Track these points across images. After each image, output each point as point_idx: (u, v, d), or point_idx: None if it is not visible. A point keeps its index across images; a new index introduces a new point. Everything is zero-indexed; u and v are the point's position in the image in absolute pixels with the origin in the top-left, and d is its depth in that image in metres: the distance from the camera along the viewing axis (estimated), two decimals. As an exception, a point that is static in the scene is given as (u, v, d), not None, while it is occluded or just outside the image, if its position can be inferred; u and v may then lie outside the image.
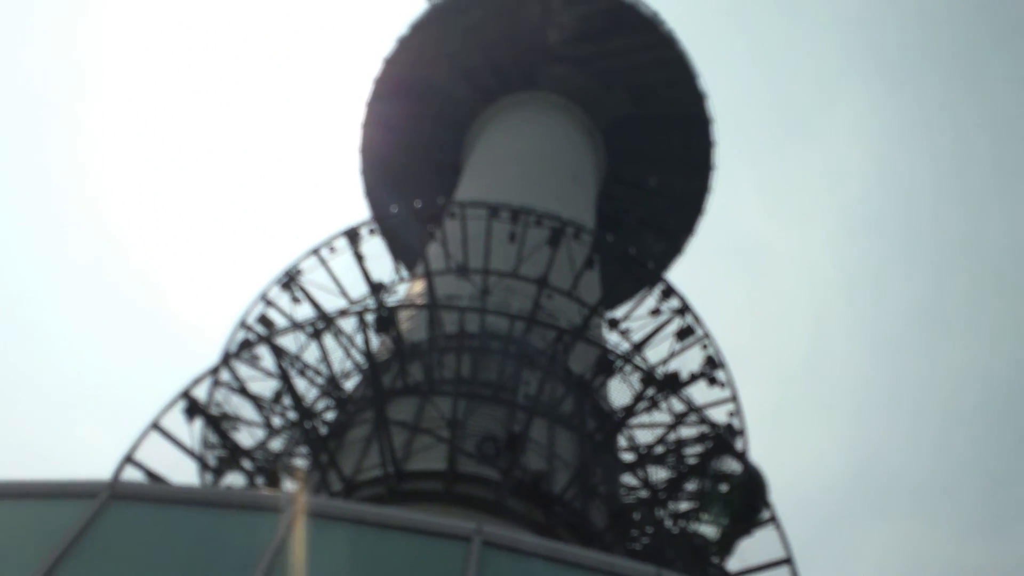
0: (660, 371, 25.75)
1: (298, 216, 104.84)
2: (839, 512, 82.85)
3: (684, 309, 28.07)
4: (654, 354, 27.74)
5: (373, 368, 22.70)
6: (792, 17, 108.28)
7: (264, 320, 27.52)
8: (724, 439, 23.23)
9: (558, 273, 27.82)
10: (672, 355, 27.39)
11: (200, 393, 22.92)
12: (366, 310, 24.11)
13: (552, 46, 48.05)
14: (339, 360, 25.19)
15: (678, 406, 23.98)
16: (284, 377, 23.93)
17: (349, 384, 25.46)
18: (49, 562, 10.33)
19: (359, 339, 24.32)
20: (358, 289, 28.99)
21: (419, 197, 35.83)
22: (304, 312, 27.79)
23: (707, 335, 27.57)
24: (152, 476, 20.96)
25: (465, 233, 28.54)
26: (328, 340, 24.92)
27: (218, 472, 23.24)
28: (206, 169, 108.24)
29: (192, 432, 22.54)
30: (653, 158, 49.90)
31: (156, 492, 12.59)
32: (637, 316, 29.22)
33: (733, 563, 21.89)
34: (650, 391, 23.89)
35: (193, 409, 22.27)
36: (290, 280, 28.20)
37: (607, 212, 47.31)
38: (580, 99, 47.36)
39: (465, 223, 28.71)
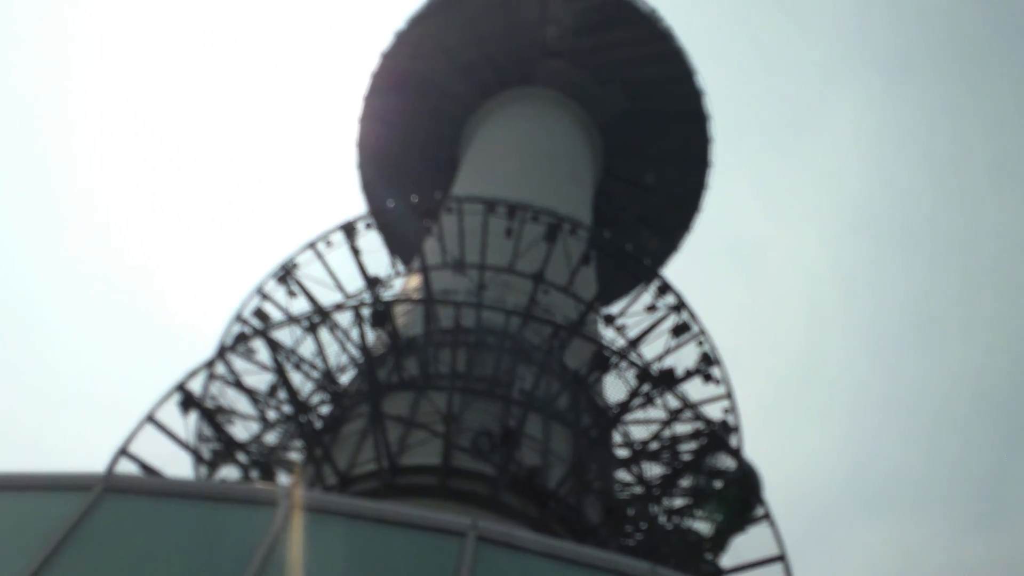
0: (655, 367, 25.73)
1: (294, 211, 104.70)
2: (834, 510, 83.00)
3: (680, 306, 28.08)
4: (650, 350, 27.74)
5: (369, 362, 22.71)
6: (790, 15, 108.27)
7: (260, 314, 27.48)
8: (719, 436, 23.28)
9: (554, 269, 27.81)
10: (667, 351, 27.40)
11: (195, 386, 22.96)
12: (362, 304, 24.12)
13: (549, 42, 48.02)
14: (335, 354, 25.21)
15: (673, 402, 24.04)
16: (279, 371, 23.94)
17: (344, 378, 25.46)
18: (43, 555, 10.32)
19: (355, 333, 24.33)
20: (354, 283, 28.97)
21: (416, 192, 35.78)
22: (300, 306, 27.76)
23: (703, 332, 27.59)
24: (147, 469, 20.96)
25: (462, 228, 28.53)
26: (324, 334, 24.95)
27: (213, 465, 23.24)
28: (202, 163, 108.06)
29: (187, 425, 22.57)
30: (650, 155, 49.90)
31: (151, 485, 12.57)
32: (633, 312, 29.25)
33: (727, 560, 21.96)
34: (645, 387, 23.92)
35: (188, 402, 22.28)
36: (286, 274, 28.17)
37: (604, 208, 47.32)
38: (577, 95, 47.33)
39: (462, 218, 28.69)
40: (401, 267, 33.00)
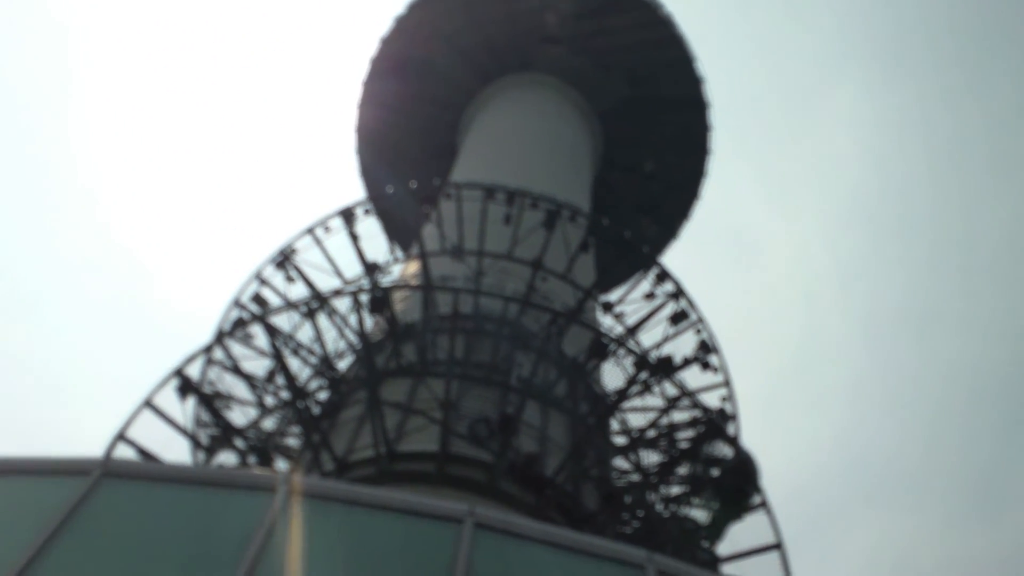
0: (653, 355, 25.73)
1: (293, 197, 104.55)
2: (831, 500, 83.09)
3: (678, 293, 28.07)
4: (648, 338, 27.74)
5: (367, 348, 22.71)
6: (790, 4, 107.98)
7: (258, 299, 27.48)
8: (716, 424, 23.30)
9: (553, 256, 27.79)
10: (666, 339, 27.40)
11: (193, 372, 22.97)
12: (360, 290, 24.12)
13: (550, 28, 47.88)
14: (333, 340, 25.22)
15: (671, 390, 24.05)
16: (277, 356, 23.93)
17: (342, 364, 25.47)
18: (41, 539, 10.33)
19: (353, 319, 24.34)
20: (353, 269, 28.95)
21: (415, 177, 35.73)
22: (298, 291, 27.76)
23: (701, 320, 27.60)
24: (144, 454, 20.98)
25: (460, 214, 28.49)
26: (322, 320, 24.94)
27: (210, 451, 23.26)
28: (200, 150, 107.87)
29: (185, 410, 22.57)
30: (649, 142, 49.81)
31: (149, 470, 12.58)
32: (631, 300, 29.24)
33: (724, 548, 21.97)
34: (643, 375, 23.93)
35: (186, 387, 22.28)
36: (285, 259, 28.15)
37: (603, 196, 47.28)
38: (577, 81, 47.24)
39: (461, 204, 28.65)
40: (400, 253, 32.98)
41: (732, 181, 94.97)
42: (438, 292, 24.84)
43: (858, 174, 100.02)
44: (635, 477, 23.48)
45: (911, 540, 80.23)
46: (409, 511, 11.26)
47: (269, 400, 24.56)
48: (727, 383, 26.82)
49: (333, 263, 29.03)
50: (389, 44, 50.28)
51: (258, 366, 24.91)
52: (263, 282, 27.89)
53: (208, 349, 24.18)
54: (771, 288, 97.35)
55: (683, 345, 27.17)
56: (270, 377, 24.64)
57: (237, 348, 24.98)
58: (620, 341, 24.45)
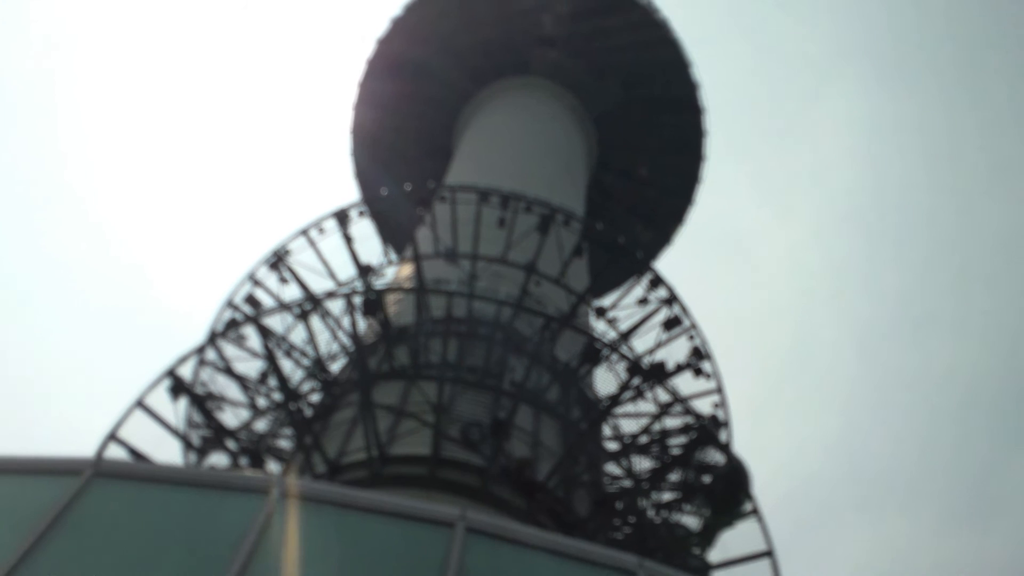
0: (646, 361, 25.76)
1: (288, 198, 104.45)
2: (824, 505, 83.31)
3: (671, 299, 28.08)
4: (641, 343, 27.77)
5: (359, 351, 22.69)
6: (786, 8, 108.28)
7: (251, 300, 27.44)
8: (708, 430, 23.28)
9: (547, 260, 27.81)
10: (658, 345, 27.42)
11: (186, 372, 22.89)
12: (354, 292, 24.11)
13: (546, 32, 47.94)
14: (326, 342, 25.19)
15: (663, 396, 24.01)
16: (270, 358, 23.89)
17: (335, 366, 25.44)
18: (32, 538, 10.30)
19: (346, 321, 24.32)
20: (346, 271, 28.94)
21: (410, 180, 35.79)
22: (292, 293, 27.74)
23: (694, 326, 27.59)
24: (136, 454, 20.91)
25: (454, 217, 28.50)
26: (315, 322, 24.89)
27: (202, 451, 23.19)
28: (194, 151, 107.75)
29: (177, 411, 22.50)
30: (644, 147, 49.92)
31: (140, 471, 12.53)
32: (624, 305, 29.25)
33: (715, 554, 21.97)
34: (636, 380, 23.89)
35: (178, 388, 22.21)
36: (278, 260, 28.12)
37: (597, 200, 47.31)
38: (572, 86, 47.29)
39: (455, 207, 28.66)
40: (393, 255, 32.93)
41: (727, 185, 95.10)
42: (432, 295, 24.83)
43: (853, 178, 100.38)
44: (627, 483, 23.47)
45: (904, 545, 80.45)
46: (401, 515, 11.25)
47: (261, 402, 24.52)
48: (719, 390, 26.81)
49: (327, 265, 29.02)
50: (385, 45, 50.31)
51: (251, 367, 24.88)
52: (256, 283, 27.86)
53: (201, 350, 24.12)
54: (765, 292, 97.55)
55: (676, 351, 27.19)
56: (263, 378, 24.59)
57: (230, 349, 24.93)
58: (613, 346, 24.43)
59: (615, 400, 23.84)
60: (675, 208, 51.57)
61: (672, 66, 49.31)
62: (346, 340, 24.98)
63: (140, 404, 21.33)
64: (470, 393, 21.51)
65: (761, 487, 21.65)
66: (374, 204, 31.22)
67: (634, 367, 23.91)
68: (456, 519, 11.08)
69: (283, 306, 25.07)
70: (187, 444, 23.09)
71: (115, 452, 20.48)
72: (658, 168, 50.30)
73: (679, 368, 26.38)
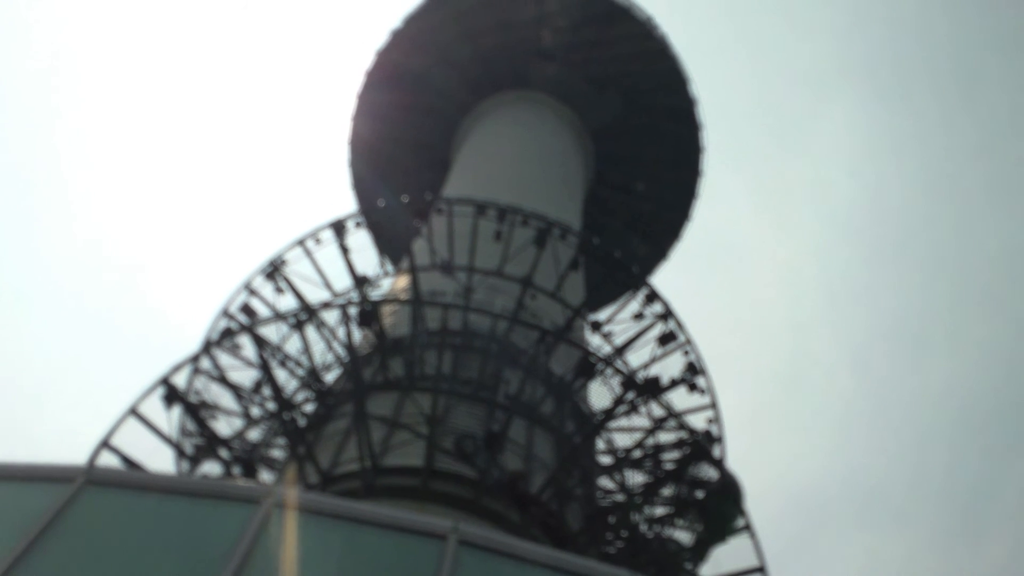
0: (641, 375, 25.74)
1: (285, 208, 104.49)
2: (818, 520, 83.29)
3: (667, 314, 28.11)
4: (635, 358, 27.76)
5: (354, 361, 22.68)
6: (784, 23, 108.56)
7: (247, 309, 27.43)
8: (702, 446, 23.28)
9: (543, 273, 27.83)
10: (653, 360, 27.41)
11: (180, 381, 22.87)
12: (349, 303, 24.10)
13: (545, 46, 48.09)
14: (320, 352, 25.17)
15: (657, 411, 23.99)
16: (264, 367, 23.87)
17: (329, 377, 25.42)
18: (23, 546, 10.28)
19: (341, 332, 24.30)
20: (342, 282, 28.93)
21: (407, 191, 35.81)
22: (287, 303, 27.72)
23: (689, 341, 27.61)
24: (128, 462, 20.88)
25: (451, 229, 28.53)
26: (310, 332, 24.90)
27: (195, 460, 23.17)
28: (192, 160, 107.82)
29: (170, 419, 22.48)
30: (641, 162, 50.01)
31: (133, 479, 12.55)
32: (620, 319, 29.26)
33: (707, 570, 21.97)
34: (630, 395, 23.88)
35: (172, 396, 22.20)
36: (274, 270, 28.12)
37: (594, 215, 47.38)
38: (571, 100, 47.41)
39: (452, 220, 28.70)
40: (390, 267, 32.94)
41: (724, 199, 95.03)
42: (427, 307, 24.82)
43: (851, 194, 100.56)
44: (620, 497, 23.45)
45: (897, 560, 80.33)
46: (393, 526, 11.24)
47: (255, 411, 24.50)
48: (714, 405, 26.83)
49: (323, 275, 29.01)
50: (384, 57, 50.41)
51: (245, 376, 24.86)
52: (252, 292, 27.85)
53: (195, 358, 24.10)
54: (761, 306, 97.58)
55: (671, 366, 27.21)
56: (257, 388, 24.58)
57: (224, 358, 24.91)
58: (608, 360, 24.42)
59: (609, 414, 23.83)
60: (672, 223, 51.64)
61: (671, 81, 49.45)
62: (341, 351, 24.98)
63: (133, 412, 21.31)
64: (464, 405, 21.51)
65: (754, 502, 21.67)
66: (371, 215, 31.22)
67: (628, 381, 23.90)
68: (449, 531, 11.07)
69: (279, 316, 25.08)
70: (180, 452, 23.06)
71: (108, 460, 20.46)
72: (655, 183, 50.40)
73: (673, 383, 26.39)
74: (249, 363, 24.82)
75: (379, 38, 50.53)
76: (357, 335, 24.60)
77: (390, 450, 20.16)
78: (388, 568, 10.96)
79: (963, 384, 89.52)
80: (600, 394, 24.44)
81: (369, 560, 11.01)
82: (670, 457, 23.80)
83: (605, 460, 24.71)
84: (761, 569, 20.26)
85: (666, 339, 27.68)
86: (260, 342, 24.08)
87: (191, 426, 23.49)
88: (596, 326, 29.35)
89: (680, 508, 22.53)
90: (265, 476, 23.10)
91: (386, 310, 26.23)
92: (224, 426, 24.07)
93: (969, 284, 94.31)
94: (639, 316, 28.57)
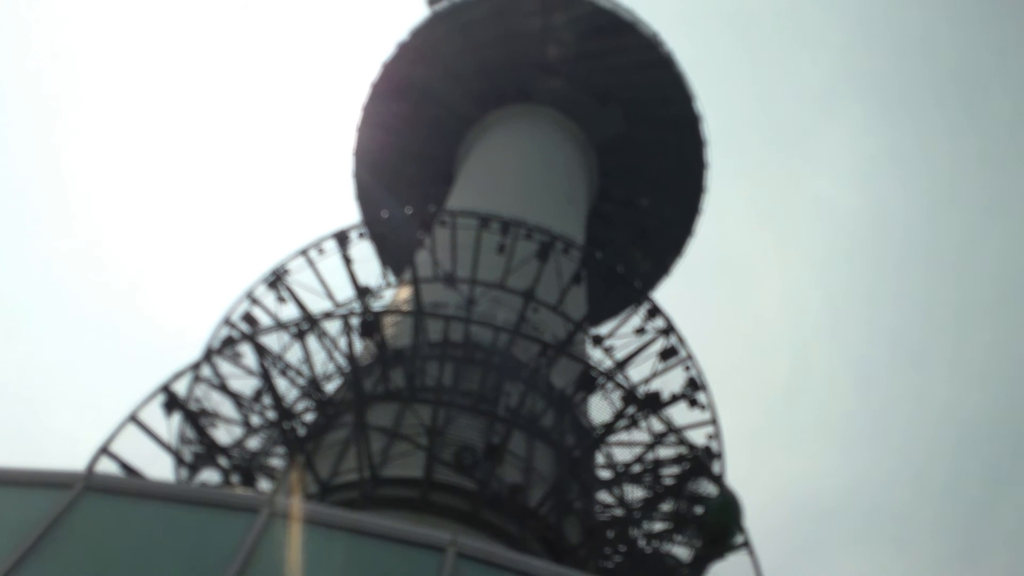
0: (641, 390, 25.72)
1: (289, 218, 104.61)
2: (818, 537, 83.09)
3: (669, 329, 28.09)
4: (636, 373, 27.72)
5: (355, 372, 22.69)
6: (789, 39, 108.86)
7: (249, 318, 27.45)
8: (702, 461, 23.25)
9: (545, 287, 27.84)
10: (654, 375, 27.37)
11: (181, 388, 22.88)
12: (351, 314, 24.11)
13: (550, 61, 48.21)
14: (322, 362, 25.18)
15: (658, 426, 23.98)
16: (265, 376, 23.88)
17: (330, 386, 25.42)
18: (20, 551, 10.28)
19: (343, 342, 24.32)
20: (345, 292, 28.97)
21: (411, 202, 35.84)
22: (289, 312, 27.74)
23: (690, 356, 27.58)
24: (127, 469, 20.87)
25: (454, 242, 28.56)
26: (312, 341, 24.91)
27: (194, 468, 23.15)
28: (195, 169, 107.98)
29: (170, 427, 22.48)
30: (645, 177, 50.07)
31: (131, 486, 12.51)
32: (622, 334, 29.23)
33: (705, 586, 21.90)
34: (630, 410, 23.88)
35: (172, 403, 22.21)
36: (277, 279, 28.14)
37: (597, 229, 47.40)
38: (575, 115, 47.49)
39: (455, 232, 28.73)
40: (392, 278, 32.97)
41: (726, 214, 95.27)
42: (429, 319, 24.84)
43: (853, 209, 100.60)
44: (619, 512, 23.42)
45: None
46: (392, 538, 11.23)
47: (255, 419, 24.49)
48: (714, 421, 26.79)
49: (325, 285, 29.02)
50: (390, 69, 50.53)
51: (246, 385, 24.86)
52: (254, 301, 27.88)
53: (196, 366, 24.11)
54: (763, 322, 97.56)
55: (671, 381, 27.16)
56: (257, 396, 24.58)
57: (225, 366, 24.92)
58: (609, 375, 24.43)
59: (609, 428, 23.83)
60: (675, 239, 51.69)
61: (676, 97, 49.55)
62: (342, 361, 24.99)
63: (133, 418, 21.32)
64: (465, 417, 21.49)
65: (753, 518, 21.62)
66: (374, 226, 31.28)
67: (629, 396, 23.90)
68: (447, 544, 11.06)
69: (280, 325, 25.10)
70: (179, 460, 23.05)
71: (107, 466, 20.45)
72: (659, 198, 50.46)
73: (674, 398, 26.36)
74: (250, 372, 24.83)
75: (384, 49, 50.71)
76: (359, 345, 24.62)
77: (389, 461, 20.15)
78: (386, 579, 10.96)
79: (963, 402, 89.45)
80: (601, 408, 24.43)
81: (367, 571, 11.00)
82: (669, 472, 23.77)
83: (605, 474, 24.69)
84: (759, 586, 20.20)
85: (667, 354, 27.66)
86: (261, 351, 24.10)
87: (191, 434, 23.49)
88: (597, 340, 29.33)
89: (679, 524, 22.49)
90: (264, 485, 23.07)
91: (388, 321, 26.24)
92: (224, 434, 24.08)
93: (971, 302, 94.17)
94: (641, 331, 28.56)
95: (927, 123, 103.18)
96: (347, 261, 28.46)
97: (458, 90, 49.24)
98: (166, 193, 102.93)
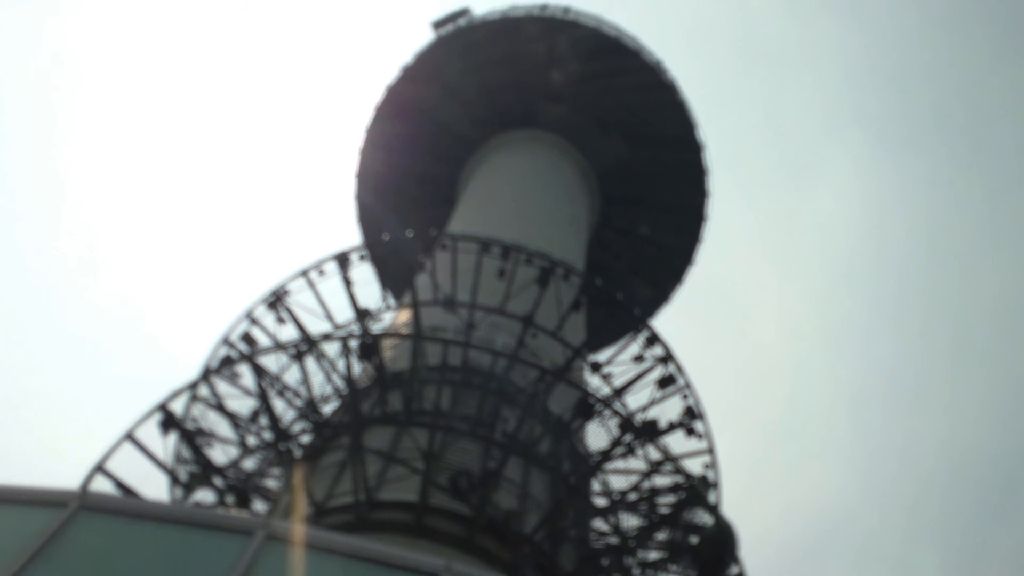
0: (639, 418, 25.71)
1: (289, 238, 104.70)
2: (812, 568, 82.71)
3: (667, 357, 28.09)
4: (634, 400, 27.70)
5: (353, 394, 22.67)
6: (792, 71, 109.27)
7: (247, 338, 27.46)
8: (698, 491, 23.19)
9: (544, 312, 27.86)
10: (652, 403, 27.35)
11: (178, 407, 22.87)
12: (350, 336, 24.11)
13: (553, 86, 48.40)
14: (319, 384, 25.14)
15: (654, 454, 23.94)
16: (263, 396, 23.88)
17: (327, 408, 25.39)
18: (13, 570, 10.25)
19: (341, 364, 24.29)
20: (344, 314, 28.98)
21: (413, 225, 35.97)
22: (288, 333, 27.75)
23: (688, 385, 27.59)
24: (123, 487, 20.84)
25: (455, 266, 28.60)
26: (310, 363, 24.89)
27: (189, 487, 23.10)
28: (194, 187, 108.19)
29: (166, 446, 22.46)
30: (647, 205, 50.15)
31: (126, 505, 12.51)
32: (620, 361, 29.20)
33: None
34: (627, 437, 23.86)
35: (169, 422, 22.20)
36: (276, 300, 28.17)
37: (598, 256, 47.46)
38: (578, 141, 47.65)
39: (455, 256, 28.76)
40: (392, 301, 32.98)
41: (728, 242, 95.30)
42: (428, 342, 24.84)
43: (855, 242, 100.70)
44: (613, 540, 23.34)
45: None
46: (386, 563, 11.20)
47: (251, 440, 24.45)
48: (711, 450, 26.76)
49: (325, 307, 29.05)
50: (394, 92, 50.71)
51: (243, 405, 24.83)
52: (254, 321, 27.89)
53: (194, 385, 24.10)
54: (761, 352, 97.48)
55: (669, 409, 27.15)
56: (254, 417, 24.55)
57: (223, 386, 24.92)
58: (606, 402, 24.42)
59: (606, 456, 23.80)
60: (675, 267, 51.71)
61: (678, 127, 49.68)
62: (340, 383, 24.97)
63: (129, 437, 21.30)
64: (461, 442, 21.45)
65: (751, 546, 21.58)
66: (375, 248, 31.36)
67: (626, 424, 23.89)
68: (441, 569, 11.04)
69: (279, 346, 25.10)
70: (174, 479, 23.01)
71: (102, 485, 20.41)
72: (660, 226, 50.53)
73: (671, 427, 26.37)
74: (247, 392, 24.82)
75: (388, 72, 50.87)
76: (357, 368, 24.60)
77: (385, 484, 20.10)
78: (379, 605, 10.93)
79: (960, 436, 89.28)
80: (597, 435, 24.40)
81: (360, 596, 10.97)
82: (665, 501, 23.72)
83: (600, 502, 24.61)
84: (753, 617, 20.13)
85: (665, 382, 27.65)
86: (259, 371, 24.11)
87: (187, 453, 23.45)
88: (596, 367, 29.30)
89: (674, 553, 22.41)
90: (259, 506, 23.01)
91: (387, 344, 26.23)
92: (219, 454, 24.04)
93: (969, 336, 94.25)
94: (639, 358, 28.55)
95: (930, 153, 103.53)
96: (347, 283, 28.51)
97: (461, 113, 49.42)
98: (167, 212, 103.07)
